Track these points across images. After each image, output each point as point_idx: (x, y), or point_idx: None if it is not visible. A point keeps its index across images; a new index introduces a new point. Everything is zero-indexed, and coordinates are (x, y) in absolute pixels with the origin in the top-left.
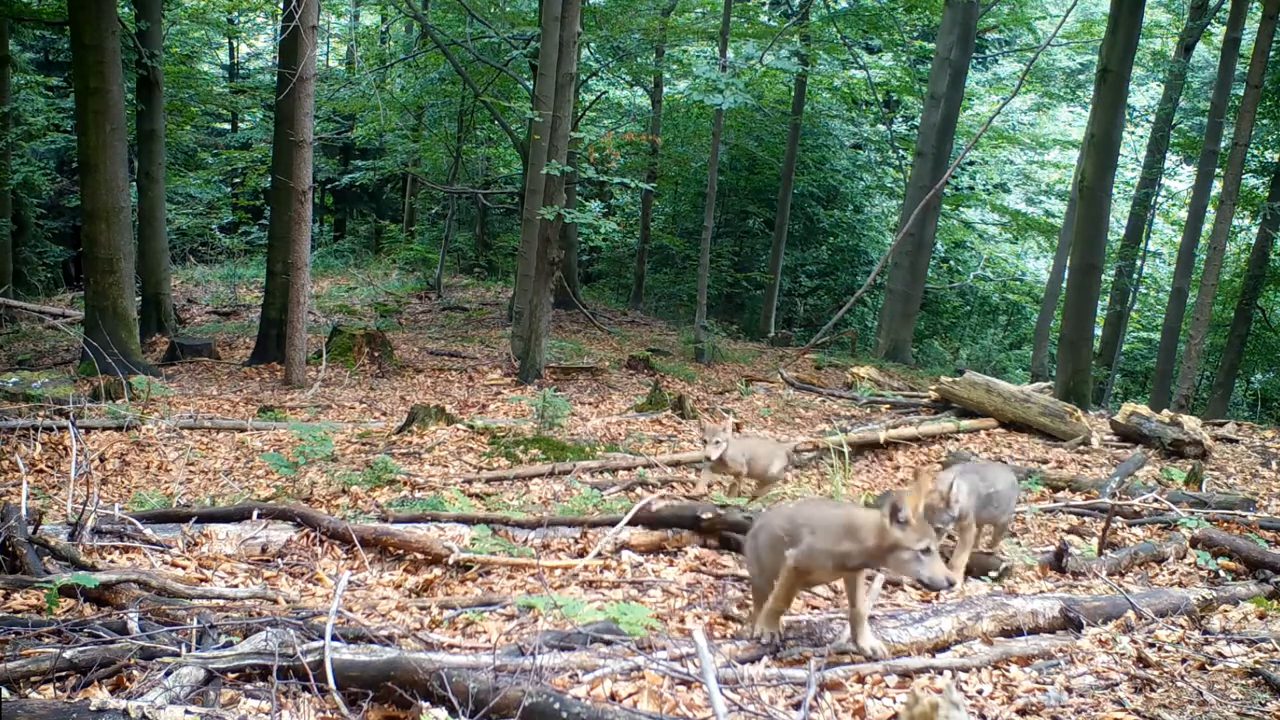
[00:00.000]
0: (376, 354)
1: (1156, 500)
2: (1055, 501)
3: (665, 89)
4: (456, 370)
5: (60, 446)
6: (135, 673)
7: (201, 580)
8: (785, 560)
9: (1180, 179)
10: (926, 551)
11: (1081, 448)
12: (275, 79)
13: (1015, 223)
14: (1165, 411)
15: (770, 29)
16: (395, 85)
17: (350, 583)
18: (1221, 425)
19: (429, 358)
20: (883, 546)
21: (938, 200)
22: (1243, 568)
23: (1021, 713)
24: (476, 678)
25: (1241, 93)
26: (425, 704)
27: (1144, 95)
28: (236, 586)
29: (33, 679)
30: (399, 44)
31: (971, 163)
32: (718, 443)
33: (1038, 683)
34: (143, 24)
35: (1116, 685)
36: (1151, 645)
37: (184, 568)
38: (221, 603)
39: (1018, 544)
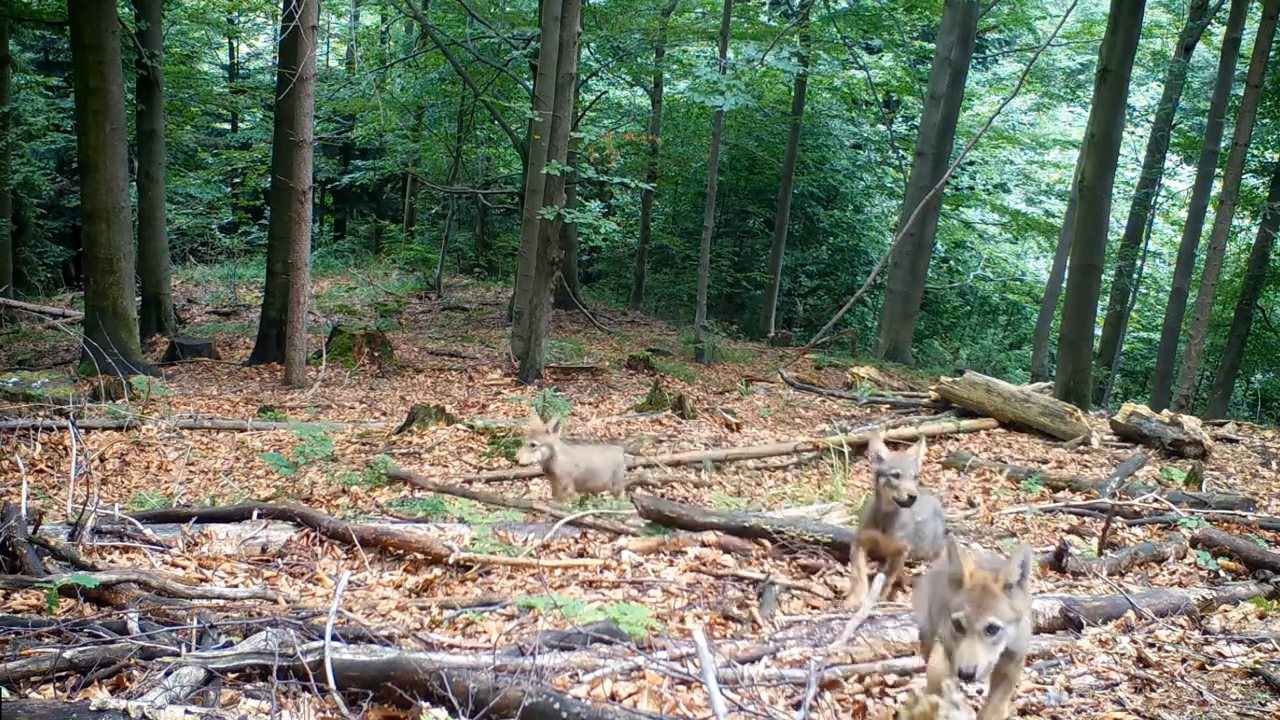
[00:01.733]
0: (376, 354)
1: (1156, 500)
2: (1055, 501)
3: (665, 89)
4: (456, 370)
5: (60, 446)
6: (135, 673)
7: (201, 580)
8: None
9: (1180, 179)
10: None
11: (1081, 448)
12: (275, 79)
13: (1015, 223)
14: (1165, 411)
15: (770, 29)
16: (395, 85)
17: (350, 583)
18: (1221, 425)
19: (429, 358)
20: None
21: (938, 200)
22: (1243, 568)
23: (1022, 713)
24: (476, 678)
25: (1241, 93)
26: (425, 704)
27: (1144, 95)
28: (236, 586)
29: (33, 679)
30: (399, 44)
31: (971, 163)
32: (533, 446)
33: (1038, 683)
34: (143, 24)
35: (1116, 685)
36: (1151, 645)
37: (184, 568)
38: (221, 603)
39: (1018, 544)
